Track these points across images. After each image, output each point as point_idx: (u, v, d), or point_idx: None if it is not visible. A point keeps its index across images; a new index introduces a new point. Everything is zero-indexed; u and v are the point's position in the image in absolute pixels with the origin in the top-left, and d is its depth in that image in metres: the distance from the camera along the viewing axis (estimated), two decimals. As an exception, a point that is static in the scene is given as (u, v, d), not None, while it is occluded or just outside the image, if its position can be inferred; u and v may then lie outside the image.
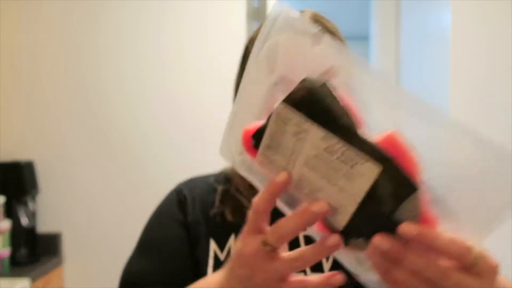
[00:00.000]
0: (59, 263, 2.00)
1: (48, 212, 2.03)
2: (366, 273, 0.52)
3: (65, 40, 2.06)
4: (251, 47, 0.80)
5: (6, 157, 1.98)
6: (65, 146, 2.05)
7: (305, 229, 0.49)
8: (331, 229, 0.48)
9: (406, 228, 0.43)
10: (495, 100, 1.99)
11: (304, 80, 0.44)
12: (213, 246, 0.76)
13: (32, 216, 1.94)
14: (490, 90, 2.00)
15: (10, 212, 1.86)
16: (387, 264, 0.46)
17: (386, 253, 0.45)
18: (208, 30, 2.06)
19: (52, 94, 2.05)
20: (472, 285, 0.44)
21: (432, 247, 0.44)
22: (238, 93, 0.52)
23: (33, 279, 1.75)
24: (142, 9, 2.07)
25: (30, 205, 1.95)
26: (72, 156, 2.05)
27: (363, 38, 3.65)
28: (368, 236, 0.45)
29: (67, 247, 2.03)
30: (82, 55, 2.06)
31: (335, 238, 0.47)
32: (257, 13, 2.16)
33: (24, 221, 1.90)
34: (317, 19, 0.79)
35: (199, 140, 2.03)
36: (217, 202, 0.79)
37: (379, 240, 0.44)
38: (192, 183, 0.86)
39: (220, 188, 0.81)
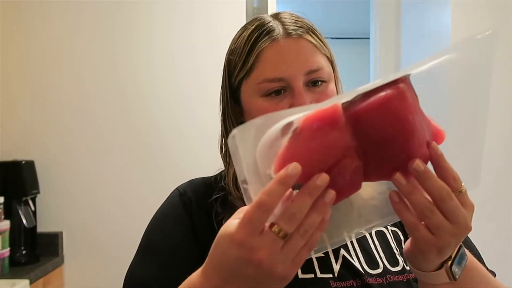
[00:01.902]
0: (59, 263, 2.00)
1: (48, 212, 2.03)
2: (364, 225, 0.61)
3: (66, 41, 2.06)
4: (232, 58, 0.79)
5: (6, 157, 1.98)
6: (65, 146, 2.05)
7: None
8: None
9: (435, 147, 0.54)
10: (495, 100, 1.99)
11: None
12: None
13: (32, 216, 1.94)
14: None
15: (10, 212, 1.86)
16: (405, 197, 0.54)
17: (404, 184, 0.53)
18: (207, 30, 2.07)
19: (52, 94, 2.05)
20: (463, 211, 0.54)
21: (441, 167, 0.54)
22: None
23: (33, 279, 1.75)
24: (136, 13, 2.07)
25: (30, 205, 1.95)
26: (72, 156, 2.05)
27: (363, 38, 3.65)
28: None
29: (67, 247, 2.03)
30: (83, 56, 2.06)
31: (323, 177, 0.49)
32: (257, 13, 2.16)
33: (24, 221, 1.90)
34: (293, 18, 0.79)
35: (198, 141, 2.03)
36: (219, 210, 0.78)
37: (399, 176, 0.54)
38: (193, 185, 0.85)
39: (217, 195, 0.80)
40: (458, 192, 0.55)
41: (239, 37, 0.80)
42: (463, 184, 0.55)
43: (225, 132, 0.83)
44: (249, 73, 0.76)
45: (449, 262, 0.59)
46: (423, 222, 0.55)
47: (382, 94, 0.51)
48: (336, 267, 0.74)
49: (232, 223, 0.51)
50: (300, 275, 0.72)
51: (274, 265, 0.49)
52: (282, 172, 0.48)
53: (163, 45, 2.07)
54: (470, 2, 2.04)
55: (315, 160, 0.50)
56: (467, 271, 0.62)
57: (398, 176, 0.53)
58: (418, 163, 0.52)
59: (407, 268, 0.76)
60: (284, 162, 0.50)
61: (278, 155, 0.51)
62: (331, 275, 0.73)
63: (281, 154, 0.51)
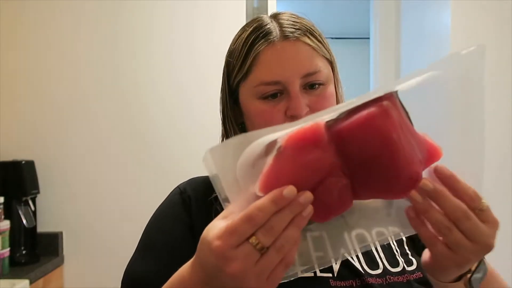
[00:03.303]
0: (59, 263, 2.00)
1: (48, 212, 2.03)
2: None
3: (66, 41, 2.06)
4: (231, 60, 0.79)
5: (6, 157, 1.98)
6: (65, 146, 2.05)
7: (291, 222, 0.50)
8: None
9: (441, 170, 0.53)
10: (495, 100, 1.99)
11: None
12: None
13: (32, 216, 1.94)
14: (489, 90, 2.00)
15: (10, 212, 1.86)
16: (421, 212, 0.54)
17: (420, 204, 0.53)
18: (207, 30, 2.07)
19: (52, 94, 2.05)
20: (484, 228, 0.53)
21: (454, 188, 0.53)
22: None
23: (33, 279, 1.74)
24: (137, 15, 2.07)
25: (30, 205, 1.95)
26: (72, 156, 2.05)
27: (363, 38, 3.65)
28: None
29: (67, 247, 2.03)
30: (83, 56, 2.06)
31: (307, 195, 0.50)
32: (257, 13, 2.16)
33: (24, 221, 1.90)
34: (292, 19, 0.78)
35: (199, 141, 2.03)
36: (218, 208, 0.78)
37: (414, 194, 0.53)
38: (194, 184, 0.85)
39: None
40: (479, 210, 0.53)
41: (237, 38, 0.80)
42: (483, 201, 0.54)
43: (225, 132, 0.84)
44: (246, 76, 0.76)
45: (469, 275, 0.59)
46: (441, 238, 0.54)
47: (365, 112, 0.51)
48: (336, 267, 0.74)
49: (215, 226, 0.51)
50: (300, 274, 0.72)
51: (247, 278, 0.49)
52: (278, 192, 0.49)
53: (163, 45, 2.07)
54: (470, 2, 2.04)
55: (299, 179, 0.50)
56: (484, 280, 0.62)
57: (413, 193, 0.53)
58: (425, 182, 0.52)
59: (408, 269, 0.76)
60: (269, 180, 0.50)
61: (263, 173, 0.51)
62: (330, 274, 0.73)
63: (266, 173, 0.51)
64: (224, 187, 0.51)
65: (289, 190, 0.49)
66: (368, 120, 0.51)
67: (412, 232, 0.61)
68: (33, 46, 2.06)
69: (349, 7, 4.10)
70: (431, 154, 0.55)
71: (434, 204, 0.53)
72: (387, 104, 0.51)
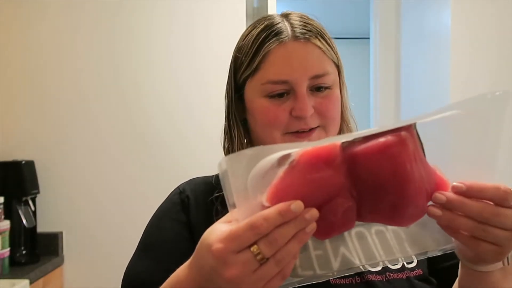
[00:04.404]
0: (59, 263, 2.00)
1: (48, 212, 2.03)
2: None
3: (66, 41, 2.06)
4: (239, 56, 0.79)
5: (6, 157, 1.98)
6: (65, 146, 2.05)
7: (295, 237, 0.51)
8: None
9: (457, 186, 0.53)
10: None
11: None
12: None
13: (32, 216, 1.94)
14: (490, 90, 2.00)
15: (10, 212, 1.86)
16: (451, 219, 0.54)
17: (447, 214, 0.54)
18: (207, 30, 2.07)
19: (52, 94, 2.05)
20: None
21: (480, 197, 0.53)
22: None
23: (33, 279, 1.75)
24: (136, 14, 2.07)
25: (30, 205, 1.95)
26: (72, 156, 2.05)
27: (363, 38, 3.65)
28: None
29: (67, 247, 2.03)
30: (83, 56, 2.06)
31: (313, 212, 0.50)
32: (257, 13, 2.16)
33: (24, 221, 1.90)
34: (303, 20, 0.79)
35: (198, 141, 2.03)
36: (219, 208, 0.78)
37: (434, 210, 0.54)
38: (193, 184, 0.86)
39: (218, 194, 0.80)
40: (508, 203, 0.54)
41: (247, 35, 0.80)
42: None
43: (228, 128, 0.84)
44: (254, 73, 0.77)
45: (508, 255, 0.60)
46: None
47: (382, 139, 0.52)
48: (336, 265, 0.74)
49: (217, 229, 0.52)
50: (297, 285, 0.72)
51: (243, 286, 0.50)
52: (285, 205, 0.49)
53: (163, 45, 2.07)
54: (470, 2, 2.04)
55: (307, 195, 0.50)
56: None
57: (431, 209, 0.54)
58: (437, 195, 0.53)
59: (407, 266, 0.76)
60: (278, 192, 0.51)
61: (272, 184, 0.52)
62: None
63: (275, 184, 0.51)
64: (234, 193, 0.51)
65: (297, 205, 0.49)
66: (385, 148, 0.51)
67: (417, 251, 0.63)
68: (33, 46, 2.06)
69: (349, 7, 4.10)
70: (439, 187, 0.55)
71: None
72: (405, 134, 0.52)
